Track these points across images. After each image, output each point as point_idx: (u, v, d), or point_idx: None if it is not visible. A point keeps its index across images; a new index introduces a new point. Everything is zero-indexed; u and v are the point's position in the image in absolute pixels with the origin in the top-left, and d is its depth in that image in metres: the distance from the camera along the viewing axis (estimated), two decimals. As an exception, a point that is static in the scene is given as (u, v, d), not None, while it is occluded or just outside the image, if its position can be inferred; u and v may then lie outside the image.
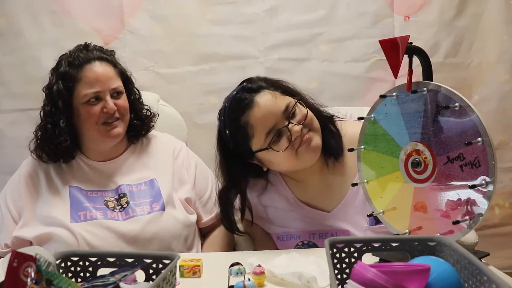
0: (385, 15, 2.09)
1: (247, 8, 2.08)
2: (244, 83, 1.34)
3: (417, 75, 1.06)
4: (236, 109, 1.29)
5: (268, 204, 1.43)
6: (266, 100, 1.27)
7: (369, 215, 1.18)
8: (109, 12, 2.06)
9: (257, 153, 1.30)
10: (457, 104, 0.98)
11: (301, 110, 1.30)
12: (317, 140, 1.30)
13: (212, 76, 2.09)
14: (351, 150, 1.19)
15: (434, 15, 2.08)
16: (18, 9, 2.04)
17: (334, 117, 1.42)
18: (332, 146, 1.36)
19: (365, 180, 1.19)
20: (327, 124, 1.38)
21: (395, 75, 1.06)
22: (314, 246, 1.37)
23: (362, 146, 1.19)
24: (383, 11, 2.09)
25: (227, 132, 1.32)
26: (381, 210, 1.15)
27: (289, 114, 1.27)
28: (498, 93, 2.11)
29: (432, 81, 1.05)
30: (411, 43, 1.03)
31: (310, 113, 1.31)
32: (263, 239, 1.46)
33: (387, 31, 2.07)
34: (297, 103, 1.30)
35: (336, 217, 1.36)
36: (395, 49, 1.03)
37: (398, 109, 1.09)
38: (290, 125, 1.26)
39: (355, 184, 1.20)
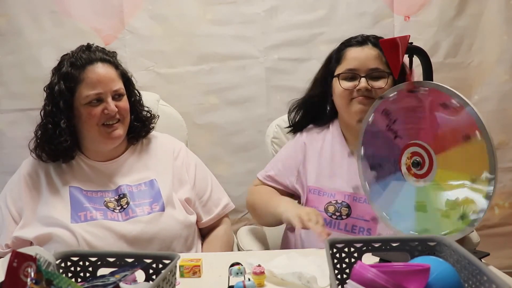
0: (385, 15, 2.09)
1: (247, 8, 2.09)
2: (375, 36, 1.49)
3: (417, 75, 1.06)
4: (350, 40, 1.50)
5: (319, 144, 1.52)
6: (368, 52, 1.43)
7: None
8: (109, 12, 2.06)
9: (335, 77, 1.47)
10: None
11: (383, 83, 1.40)
12: (368, 108, 1.33)
13: (212, 76, 2.09)
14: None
15: (434, 15, 2.09)
16: (18, 9, 2.05)
17: None
18: None
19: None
20: None
21: (395, 75, 1.06)
22: (348, 207, 1.40)
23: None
24: (383, 11, 2.09)
25: (335, 50, 1.53)
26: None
27: (372, 74, 1.40)
28: (498, 93, 2.12)
29: (432, 81, 1.05)
30: (411, 43, 1.04)
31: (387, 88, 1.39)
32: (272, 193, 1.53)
33: (387, 31, 2.07)
34: (387, 75, 1.40)
35: None
36: (395, 49, 1.03)
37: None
38: (363, 79, 1.40)
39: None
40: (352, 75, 1.43)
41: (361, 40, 1.47)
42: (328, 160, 1.49)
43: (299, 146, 1.55)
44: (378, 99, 1.19)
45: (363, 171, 1.22)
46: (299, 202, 1.51)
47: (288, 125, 1.63)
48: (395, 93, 1.13)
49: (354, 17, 2.09)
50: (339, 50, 1.50)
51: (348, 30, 2.07)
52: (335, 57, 1.51)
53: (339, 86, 1.44)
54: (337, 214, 1.40)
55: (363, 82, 1.39)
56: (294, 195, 1.54)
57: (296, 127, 1.60)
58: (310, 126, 1.58)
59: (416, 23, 2.09)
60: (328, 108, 1.54)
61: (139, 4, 2.07)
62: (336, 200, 1.42)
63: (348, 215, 1.39)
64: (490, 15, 2.09)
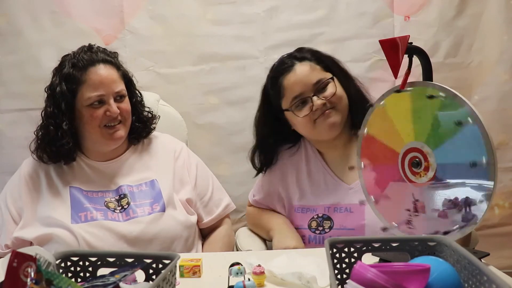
0: (385, 15, 2.09)
1: (247, 8, 2.08)
2: (294, 51, 1.48)
3: (417, 75, 1.06)
4: (278, 70, 1.47)
5: (296, 167, 1.52)
6: (302, 70, 1.42)
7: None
8: (109, 12, 2.06)
9: (284, 111, 1.45)
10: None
11: (330, 88, 1.41)
12: (336, 118, 1.39)
13: (212, 76, 2.09)
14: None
15: (434, 15, 2.08)
16: (18, 9, 2.04)
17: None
18: (358, 122, 1.41)
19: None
20: (363, 107, 1.40)
21: (395, 75, 1.06)
22: (329, 219, 1.41)
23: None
24: (383, 11, 2.09)
25: (269, 87, 1.49)
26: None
27: (318, 87, 1.40)
28: (498, 93, 2.11)
29: (432, 81, 1.05)
30: (411, 43, 1.03)
31: (340, 93, 1.42)
32: (268, 213, 1.55)
33: (387, 31, 2.07)
34: (331, 79, 1.42)
35: (355, 190, 1.41)
36: (395, 49, 1.03)
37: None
38: (314, 97, 1.39)
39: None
40: (301, 100, 1.41)
41: (289, 63, 1.44)
42: (307, 177, 1.50)
43: (274, 171, 1.56)
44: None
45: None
46: None
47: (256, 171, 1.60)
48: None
49: (354, 17, 2.09)
50: (273, 84, 1.47)
51: (348, 30, 2.09)
52: (273, 93, 1.48)
53: (297, 117, 1.42)
54: (320, 228, 1.41)
55: (316, 101, 1.39)
56: None
57: (265, 166, 1.58)
58: (284, 149, 1.56)
59: (416, 23, 2.09)
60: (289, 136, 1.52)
61: (139, 4, 2.07)
62: (318, 215, 1.44)
63: (330, 227, 1.41)
64: (490, 15, 2.09)
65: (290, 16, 2.09)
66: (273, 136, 1.53)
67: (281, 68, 1.45)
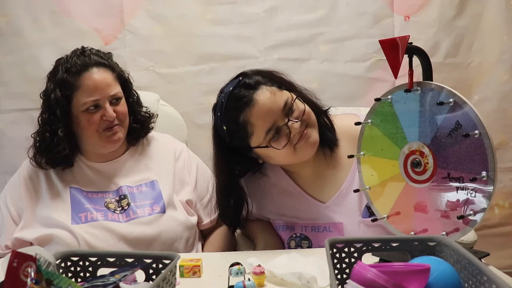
0: (385, 15, 2.09)
1: (247, 8, 2.09)
2: (240, 78, 1.32)
3: (417, 75, 1.06)
4: (235, 107, 1.28)
5: (265, 191, 1.43)
6: (265, 98, 1.26)
7: (372, 219, 1.16)
8: (109, 12, 2.06)
9: (255, 149, 1.30)
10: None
11: (298, 106, 1.29)
12: (315, 135, 1.31)
13: (212, 76, 2.09)
14: (351, 156, 1.18)
15: (434, 15, 2.08)
16: (18, 9, 2.05)
17: (328, 109, 1.41)
18: (327, 138, 1.37)
19: (367, 186, 1.18)
20: (322, 116, 1.38)
21: (395, 75, 1.06)
22: (306, 239, 1.37)
23: (362, 152, 1.18)
24: (383, 11, 2.09)
25: (224, 128, 1.30)
26: (385, 215, 1.14)
27: (288, 111, 1.27)
28: (498, 93, 2.11)
29: (432, 81, 1.05)
30: (411, 43, 1.03)
31: (308, 108, 1.31)
32: (264, 232, 1.45)
33: (387, 31, 2.07)
34: (297, 99, 1.29)
35: (331, 209, 1.36)
36: (395, 49, 1.03)
37: (418, 106, 1.05)
38: (290, 122, 1.26)
39: (357, 190, 1.18)
40: (276, 130, 1.25)
41: (247, 95, 1.26)
42: (279, 197, 1.42)
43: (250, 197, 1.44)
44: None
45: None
46: None
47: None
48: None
49: (354, 17, 2.09)
50: (232, 124, 1.28)
51: (348, 30, 2.09)
52: (235, 134, 1.30)
53: (275, 150, 1.26)
54: (298, 248, 1.36)
55: (293, 125, 1.25)
56: None
57: (235, 219, 1.43)
58: (245, 177, 1.43)
59: (416, 23, 2.09)
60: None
61: (139, 4, 2.07)
62: (295, 234, 1.39)
63: (309, 247, 1.36)
64: (490, 15, 2.09)
65: (290, 16, 2.09)
66: (238, 173, 1.40)
67: (239, 104, 1.26)
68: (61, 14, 2.05)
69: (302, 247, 1.37)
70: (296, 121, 1.26)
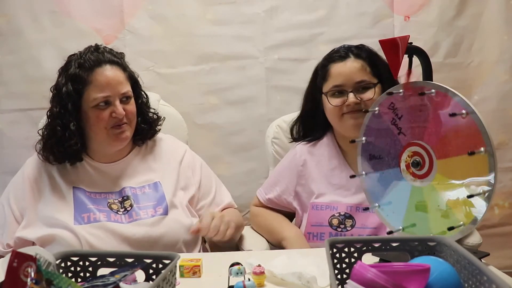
0: (385, 15, 2.09)
1: (247, 8, 2.09)
2: (354, 46, 1.50)
3: (417, 75, 1.06)
4: (332, 56, 1.50)
5: (315, 159, 1.54)
6: (352, 66, 1.44)
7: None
8: (109, 12, 2.06)
9: (322, 93, 1.49)
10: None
11: (371, 93, 1.42)
12: (361, 121, 1.31)
13: (212, 76, 2.09)
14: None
15: (434, 15, 2.09)
16: (18, 9, 2.05)
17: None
18: None
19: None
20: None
21: (395, 75, 1.06)
22: (351, 218, 1.42)
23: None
24: (383, 11, 2.09)
25: (319, 67, 1.54)
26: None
27: (359, 87, 1.43)
28: (498, 93, 2.12)
29: (432, 81, 1.05)
30: (411, 43, 1.04)
31: (373, 100, 1.39)
32: (290, 224, 1.54)
33: (387, 31, 2.07)
34: (374, 85, 1.43)
35: None
36: (395, 49, 1.03)
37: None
38: (351, 94, 1.42)
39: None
40: (339, 91, 1.45)
41: (343, 54, 1.47)
42: (327, 174, 1.51)
43: (293, 166, 1.56)
44: (386, 95, 1.17)
45: (361, 160, 1.24)
46: (297, 218, 1.54)
47: (290, 136, 1.65)
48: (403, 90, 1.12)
49: (354, 17, 2.09)
50: (323, 66, 1.51)
51: (348, 30, 2.09)
52: (320, 74, 1.52)
53: (329, 104, 1.46)
54: (342, 226, 1.42)
55: (351, 97, 1.42)
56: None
57: (299, 139, 1.62)
58: (304, 143, 1.59)
59: (416, 23, 2.09)
60: (321, 121, 1.55)
61: (139, 4, 2.07)
62: (339, 213, 1.43)
63: (352, 226, 1.42)
64: (490, 15, 2.09)
65: (290, 16, 2.09)
66: (313, 113, 1.57)
67: (336, 55, 1.48)
68: (61, 14, 2.05)
69: (345, 225, 1.42)
70: (357, 99, 1.41)
